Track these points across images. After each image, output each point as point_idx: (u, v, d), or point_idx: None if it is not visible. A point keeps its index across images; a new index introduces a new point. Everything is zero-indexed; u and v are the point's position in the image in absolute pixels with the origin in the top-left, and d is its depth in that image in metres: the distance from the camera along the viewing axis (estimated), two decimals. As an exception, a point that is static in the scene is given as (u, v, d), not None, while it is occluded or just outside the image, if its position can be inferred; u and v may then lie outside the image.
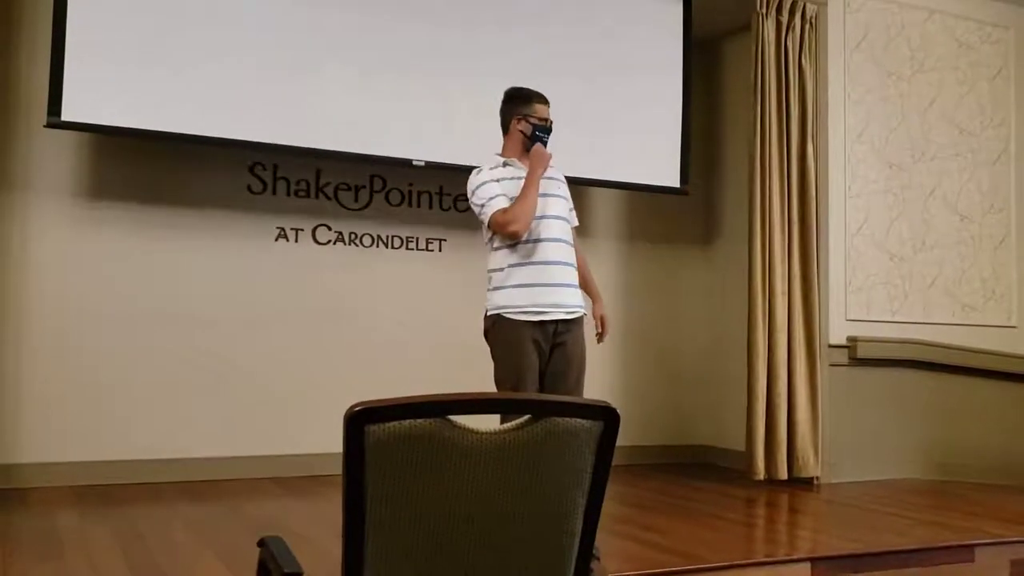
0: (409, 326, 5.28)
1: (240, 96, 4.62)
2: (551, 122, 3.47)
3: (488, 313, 3.39)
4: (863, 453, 5.40)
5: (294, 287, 5.05)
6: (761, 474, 5.08)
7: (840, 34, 5.53)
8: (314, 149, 4.80)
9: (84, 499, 4.23)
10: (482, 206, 3.35)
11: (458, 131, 5.01)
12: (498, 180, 3.37)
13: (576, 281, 3.43)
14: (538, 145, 3.38)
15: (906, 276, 5.66)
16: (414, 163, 4.97)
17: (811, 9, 5.41)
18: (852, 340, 5.40)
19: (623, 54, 5.47)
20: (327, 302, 5.12)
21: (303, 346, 5.05)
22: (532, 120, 3.43)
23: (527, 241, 3.33)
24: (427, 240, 5.38)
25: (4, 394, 4.46)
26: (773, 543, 4.03)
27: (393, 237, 5.30)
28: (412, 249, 5.35)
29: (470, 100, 4.93)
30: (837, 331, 5.39)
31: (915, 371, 5.53)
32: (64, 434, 4.54)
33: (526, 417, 1.42)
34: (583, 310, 3.42)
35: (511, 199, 3.31)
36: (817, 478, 5.17)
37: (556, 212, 3.41)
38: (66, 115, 4.29)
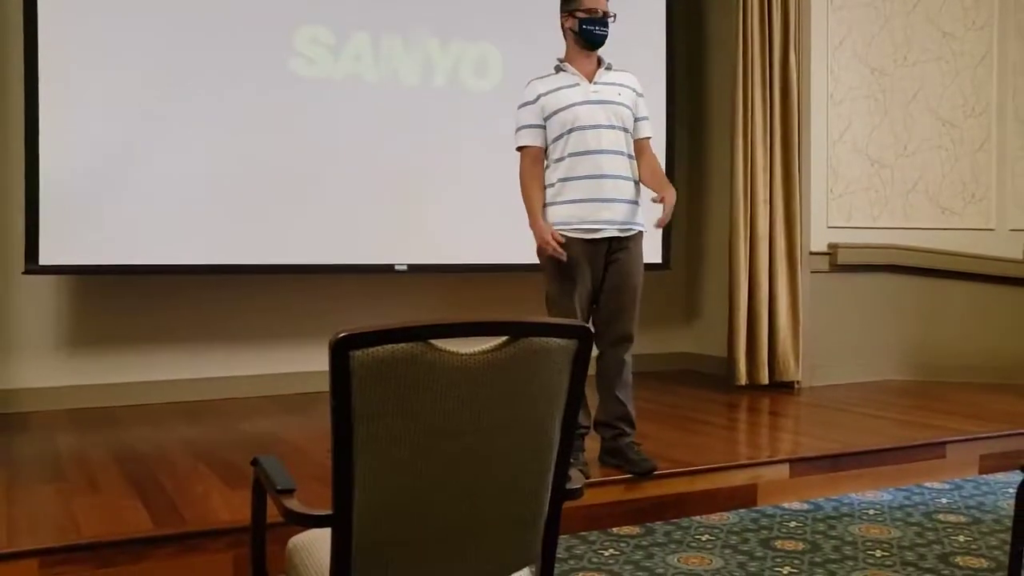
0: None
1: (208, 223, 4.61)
2: (605, 12, 3.19)
3: None
4: (843, 357, 5.53)
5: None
6: (743, 379, 5.21)
7: (822, -62, 5.45)
8: (292, 265, 4.78)
9: (82, 422, 4.31)
10: (515, 131, 3.26)
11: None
12: (539, 96, 3.20)
13: (634, 196, 3.25)
14: (537, 231, 3.15)
15: (887, 182, 5.70)
16: (396, 268, 4.93)
17: (793, -87, 5.32)
18: (833, 247, 5.47)
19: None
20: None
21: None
22: (578, 14, 3.19)
23: (579, 153, 3.16)
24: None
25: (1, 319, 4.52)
26: (754, 446, 4.16)
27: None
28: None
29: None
30: (818, 238, 5.46)
31: (894, 275, 5.62)
32: (60, 358, 4.62)
33: (505, 338, 1.48)
34: (640, 227, 3.28)
35: (551, 114, 3.18)
36: (798, 382, 5.30)
37: (611, 121, 3.20)
38: (44, 259, 4.28)
